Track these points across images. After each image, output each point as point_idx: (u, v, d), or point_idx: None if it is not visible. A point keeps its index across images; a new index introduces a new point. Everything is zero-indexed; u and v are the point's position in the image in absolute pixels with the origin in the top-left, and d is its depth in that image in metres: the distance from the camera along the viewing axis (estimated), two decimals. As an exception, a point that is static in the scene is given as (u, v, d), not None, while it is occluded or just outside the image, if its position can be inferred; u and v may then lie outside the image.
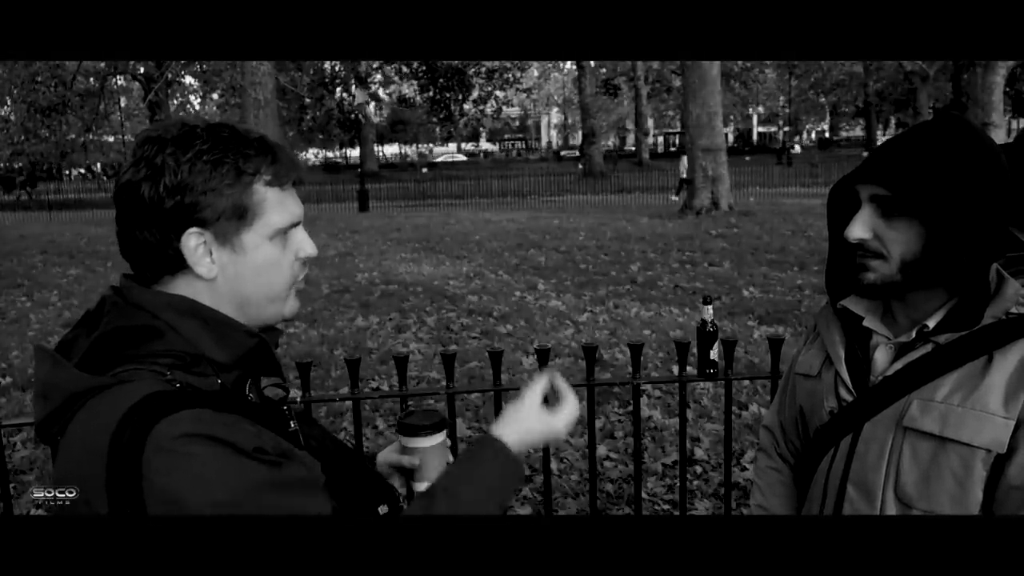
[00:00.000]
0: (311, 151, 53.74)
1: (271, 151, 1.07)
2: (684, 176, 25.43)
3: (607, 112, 39.21)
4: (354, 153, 46.13)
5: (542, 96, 40.55)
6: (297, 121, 37.50)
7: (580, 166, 37.39)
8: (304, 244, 1.12)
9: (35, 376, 1.02)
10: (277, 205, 1.06)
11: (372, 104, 30.63)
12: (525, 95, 39.22)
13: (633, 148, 43.70)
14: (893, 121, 48.54)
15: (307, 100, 37.30)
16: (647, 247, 13.26)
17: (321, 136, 41.10)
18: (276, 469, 0.95)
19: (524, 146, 56.49)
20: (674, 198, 24.55)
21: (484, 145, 52.73)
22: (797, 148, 43.39)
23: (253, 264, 1.06)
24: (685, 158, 26.43)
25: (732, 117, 49.70)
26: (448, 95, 37.95)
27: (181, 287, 1.05)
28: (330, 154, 52.12)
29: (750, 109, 50.44)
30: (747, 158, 41.09)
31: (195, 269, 1.03)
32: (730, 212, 17.74)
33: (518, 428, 1.21)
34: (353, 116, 33.12)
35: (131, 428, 0.91)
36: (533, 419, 1.23)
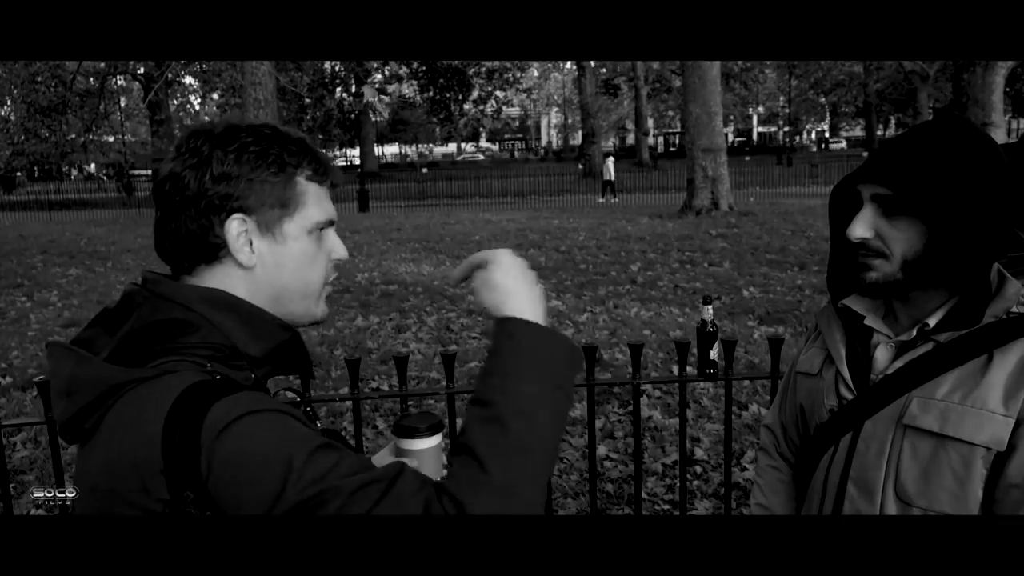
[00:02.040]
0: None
1: (312, 149, 1.10)
2: (610, 179, 25.47)
3: (607, 112, 39.28)
4: (353, 153, 46.21)
5: (542, 96, 40.59)
6: (297, 121, 37.53)
7: (580, 166, 37.42)
8: (336, 246, 1.14)
9: (55, 373, 1.01)
10: (317, 200, 1.08)
11: (381, 100, 30.63)
12: (525, 95, 39.24)
13: (633, 148, 43.75)
14: (893, 121, 48.57)
15: (307, 100, 37.32)
16: (647, 247, 13.27)
17: (321, 136, 41.24)
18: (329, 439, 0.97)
19: (524, 146, 56.53)
20: (600, 200, 24.60)
21: (461, 146, 52.51)
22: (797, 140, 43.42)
23: (292, 255, 1.07)
24: (611, 160, 26.47)
25: (732, 117, 49.69)
26: (448, 95, 37.97)
27: (217, 277, 1.05)
28: (330, 154, 52.26)
29: (750, 109, 50.46)
30: (747, 158, 41.09)
31: (236, 256, 1.04)
32: (730, 212, 17.75)
33: (515, 295, 1.03)
34: (353, 116, 33.22)
35: (185, 413, 0.91)
36: (512, 280, 1.05)
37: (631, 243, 13.90)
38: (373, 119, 30.04)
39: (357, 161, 41.26)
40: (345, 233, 17.04)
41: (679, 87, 35.75)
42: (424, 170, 36.05)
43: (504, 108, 37.96)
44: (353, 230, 17.90)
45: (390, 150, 59.22)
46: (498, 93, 37.95)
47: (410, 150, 53.89)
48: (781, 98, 45.23)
